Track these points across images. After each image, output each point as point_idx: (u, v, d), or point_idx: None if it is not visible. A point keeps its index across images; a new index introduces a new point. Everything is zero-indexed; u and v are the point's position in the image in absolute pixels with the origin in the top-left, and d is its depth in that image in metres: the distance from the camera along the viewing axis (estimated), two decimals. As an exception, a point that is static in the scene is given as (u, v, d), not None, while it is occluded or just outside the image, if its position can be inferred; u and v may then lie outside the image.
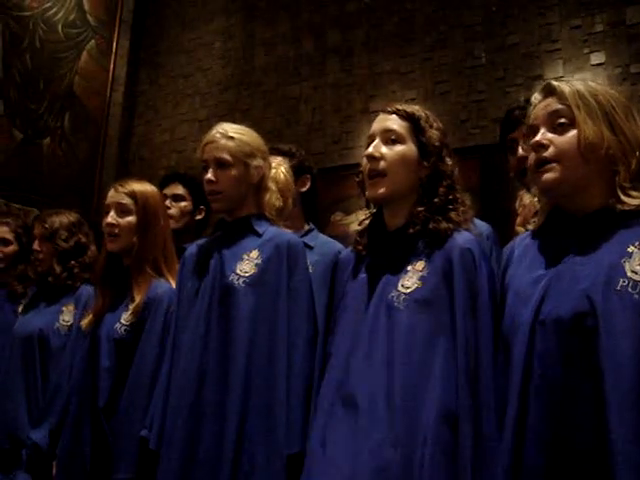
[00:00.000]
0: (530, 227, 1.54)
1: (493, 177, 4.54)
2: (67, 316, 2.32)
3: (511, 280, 1.48)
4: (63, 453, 1.99)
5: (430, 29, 5.12)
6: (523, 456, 1.29)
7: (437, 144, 1.63)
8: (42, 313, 2.44)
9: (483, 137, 4.74)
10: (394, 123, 1.65)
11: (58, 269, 2.44)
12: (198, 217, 2.72)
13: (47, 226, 2.47)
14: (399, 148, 1.62)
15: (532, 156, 1.44)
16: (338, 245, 2.29)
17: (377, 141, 1.64)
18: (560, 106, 1.41)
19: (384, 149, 1.62)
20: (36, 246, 2.49)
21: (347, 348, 1.57)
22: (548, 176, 1.40)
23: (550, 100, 1.44)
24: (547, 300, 1.35)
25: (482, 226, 2.04)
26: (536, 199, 1.69)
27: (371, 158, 1.62)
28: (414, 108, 1.69)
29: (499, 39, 4.77)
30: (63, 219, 2.50)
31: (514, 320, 1.40)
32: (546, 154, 1.40)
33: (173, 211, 2.63)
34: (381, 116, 1.69)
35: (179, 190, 2.67)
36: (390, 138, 1.63)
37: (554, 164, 1.39)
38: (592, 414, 1.22)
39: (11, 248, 2.75)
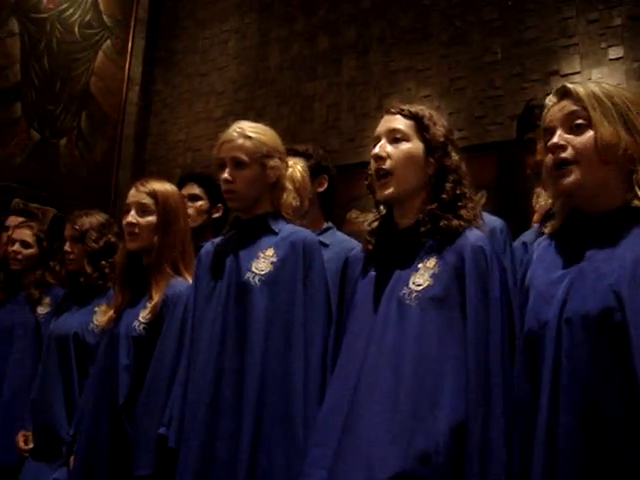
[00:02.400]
0: (547, 230, 1.53)
1: (510, 174, 4.50)
2: (100, 316, 2.34)
3: (531, 282, 1.47)
4: (82, 450, 2.00)
5: (446, 25, 5.10)
6: (556, 458, 1.27)
7: (442, 139, 1.64)
8: (76, 314, 2.48)
9: (500, 133, 4.70)
10: (398, 122, 1.66)
11: (89, 269, 2.47)
12: (216, 215, 2.72)
13: (77, 227, 2.50)
14: (405, 146, 1.63)
15: (549, 158, 1.43)
16: (354, 243, 2.27)
17: (383, 141, 1.65)
18: (576, 107, 1.41)
19: (390, 148, 1.64)
20: (67, 247, 2.52)
21: (357, 346, 1.57)
22: (568, 180, 1.39)
23: (565, 102, 1.44)
24: (571, 298, 1.34)
25: (495, 221, 2.03)
26: (550, 201, 1.68)
27: (377, 158, 1.64)
28: (417, 107, 1.70)
29: (516, 34, 4.74)
30: (93, 220, 2.53)
31: (538, 321, 1.38)
32: (564, 155, 1.40)
33: (190, 211, 2.64)
34: (385, 117, 1.71)
35: (195, 190, 2.68)
36: (395, 137, 1.64)
37: (573, 166, 1.39)
38: (626, 410, 1.21)
39: (30, 251, 2.78)
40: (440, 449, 1.38)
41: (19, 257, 2.76)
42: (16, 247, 2.75)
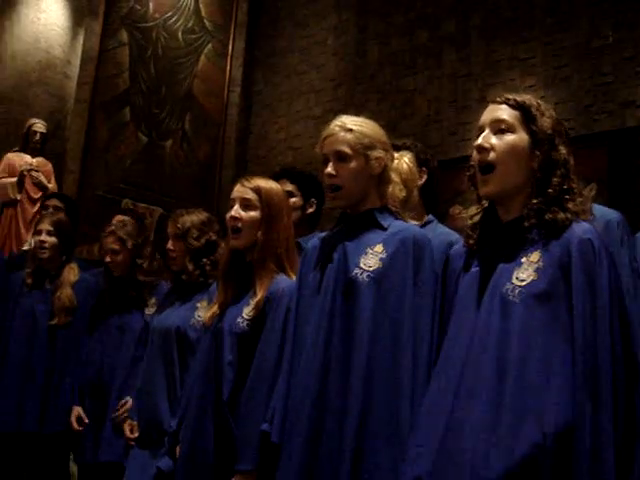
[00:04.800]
0: None
1: (622, 164, 4.28)
2: (202, 312, 2.39)
3: None
4: (187, 444, 2.04)
5: (551, 10, 4.90)
6: None
7: (549, 132, 1.54)
8: (178, 309, 2.54)
9: (610, 122, 4.48)
10: (504, 113, 1.57)
11: (190, 267, 2.51)
12: (309, 211, 2.72)
13: (179, 226, 2.56)
14: (509, 138, 1.54)
15: None
16: (453, 236, 2.20)
17: (486, 132, 1.57)
18: None
19: (494, 139, 1.55)
20: (170, 245, 2.59)
21: (459, 345, 1.52)
22: None
23: None
24: None
25: (611, 213, 1.92)
26: None
27: (480, 149, 1.55)
28: (524, 97, 1.60)
29: (629, 14, 4.48)
30: (194, 218, 2.57)
31: None
32: None
33: None
34: (491, 106, 1.61)
35: (287, 187, 2.68)
36: (500, 128, 1.56)
37: None
38: None
39: (120, 257, 2.89)
40: (546, 453, 1.31)
41: (113, 266, 2.88)
42: (108, 258, 2.88)
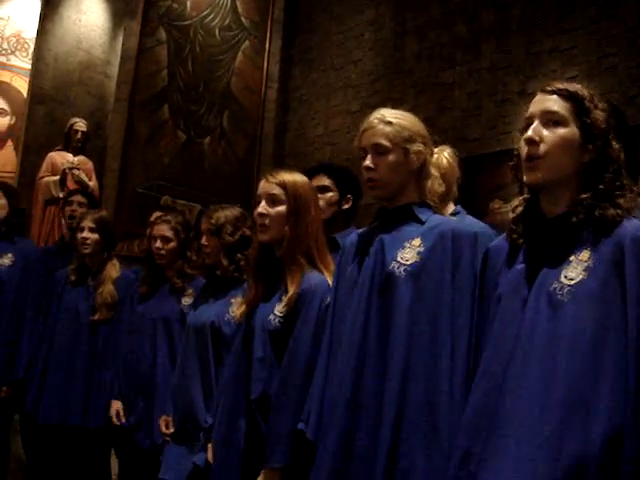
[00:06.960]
0: None
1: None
2: (236, 307, 2.40)
3: None
4: (219, 441, 2.04)
5: (593, -2, 4.79)
6: None
7: (603, 126, 1.48)
8: (213, 305, 2.56)
9: (658, 113, 4.36)
10: (555, 104, 1.51)
11: (225, 263, 2.53)
12: (345, 206, 2.71)
13: (213, 221, 2.57)
14: (561, 131, 1.49)
15: None
16: (476, 226, 2.13)
17: (536, 123, 1.51)
18: None
19: (544, 132, 1.50)
20: (204, 241, 2.61)
21: (504, 344, 1.47)
22: None
23: None
24: None
25: None
26: None
27: (531, 142, 1.50)
28: (576, 87, 1.53)
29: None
30: (228, 214, 2.59)
31: None
32: None
33: (320, 203, 2.63)
34: (540, 96, 1.55)
35: (324, 181, 2.67)
36: (551, 120, 1.50)
37: None
38: None
39: (171, 245, 2.91)
40: (594, 459, 1.26)
41: (162, 252, 2.90)
42: (158, 244, 2.90)
